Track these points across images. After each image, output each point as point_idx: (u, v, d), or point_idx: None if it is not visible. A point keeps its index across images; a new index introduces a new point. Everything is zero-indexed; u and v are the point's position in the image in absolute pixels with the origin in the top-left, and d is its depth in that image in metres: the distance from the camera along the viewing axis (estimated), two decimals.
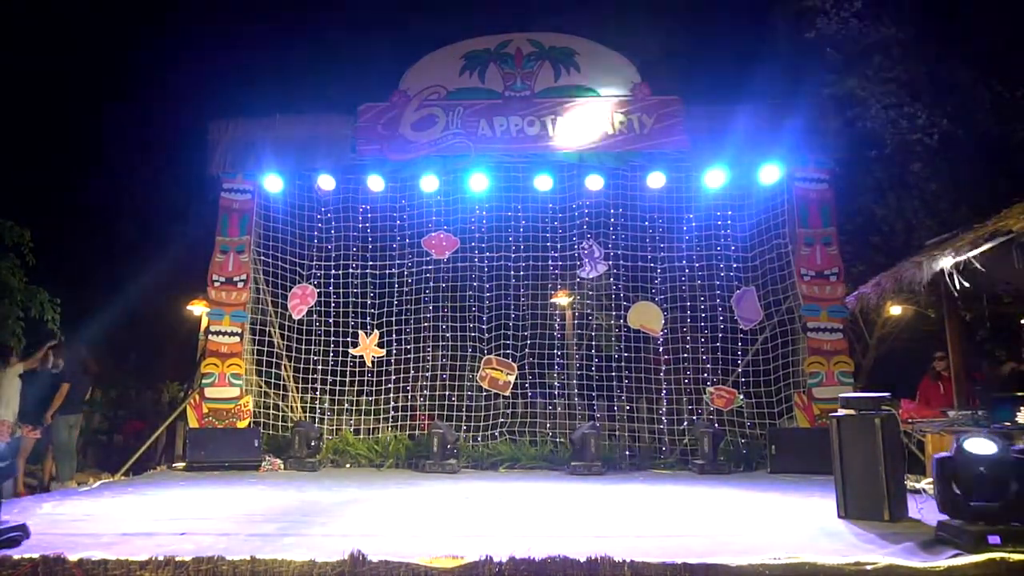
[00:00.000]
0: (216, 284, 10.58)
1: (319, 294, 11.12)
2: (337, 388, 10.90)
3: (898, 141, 10.67)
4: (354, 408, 10.91)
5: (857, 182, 11.02)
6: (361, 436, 10.55)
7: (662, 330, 10.68)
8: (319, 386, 10.86)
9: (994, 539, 4.23)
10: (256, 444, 9.65)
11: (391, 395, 10.85)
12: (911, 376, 10.13)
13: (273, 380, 10.79)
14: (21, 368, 8.94)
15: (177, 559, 4.06)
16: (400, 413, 10.73)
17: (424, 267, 11.17)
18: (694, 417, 10.37)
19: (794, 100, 10.46)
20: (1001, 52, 10.42)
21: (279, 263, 11.01)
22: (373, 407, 10.81)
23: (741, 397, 10.33)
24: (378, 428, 10.66)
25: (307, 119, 10.95)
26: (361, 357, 10.91)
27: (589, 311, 11.65)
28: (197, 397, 10.18)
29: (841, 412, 5.83)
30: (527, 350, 10.89)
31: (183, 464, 9.56)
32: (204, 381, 10.21)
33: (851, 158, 10.61)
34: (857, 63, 11.02)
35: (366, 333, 10.99)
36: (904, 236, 10.54)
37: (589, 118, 10.59)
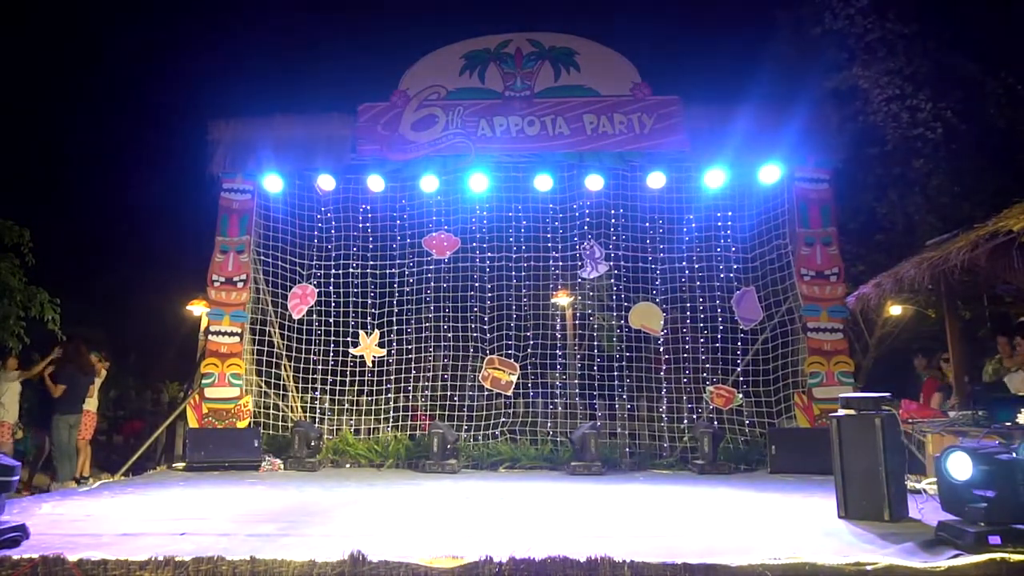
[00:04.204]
0: (216, 284, 10.57)
1: (319, 294, 11.11)
2: (337, 388, 10.89)
3: (900, 136, 10.66)
4: (354, 408, 10.90)
5: (858, 180, 11.02)
6: (361, 436, 10.55)
7: (662, 330, 10.68)
8: (319, 386, 10.86)
9: (994, 539, 4.23)
10: (256, 444, 9.64)
11: (391, 395, 10.84)
12: (911, 376, 10.14)
13: (273, 380, 10.78)
14: (18, 375, 8.97)
15: (177, 559, 4.06)
16: (400, 413, 10.72)
17: (425, 267, 11.16)
18: (694, 417, 10.37)
19: (794, 100, 10.45)
20: (1010, 43, 10.37)
21: (279, 263, 11.00)
22: (373, 407, 10.81)
23: (740, 396, 10.33)
24: (378, 428, 10.66)
25: (307, 119, 10.93)
26: (361, 357, 10.90)
27: (590, 311, 11.65)
28: (197, 397, 10.17)
29: (841, 412, 5.83)
30: (528, 350, 10.89)
31: (183, 464, 9.55)
32: (204, 381, 10.21)
33: (852, 156, 10.60)
34: (861, 57, 11.01)
35: (366, 333, 10.99)
36: (906, 234, 10.54)
37: (589, 118, 10.58)
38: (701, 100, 10.69)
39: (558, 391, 10.90)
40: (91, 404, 9.65)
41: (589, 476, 8.91)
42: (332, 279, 11.20)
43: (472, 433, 10.42)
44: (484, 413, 10.55)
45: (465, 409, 10.67)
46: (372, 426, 10.69)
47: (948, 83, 10.74)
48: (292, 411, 10.83)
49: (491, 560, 4.02)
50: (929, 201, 10.61)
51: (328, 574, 3.98)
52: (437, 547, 4.40)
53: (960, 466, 4.55)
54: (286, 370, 10.92)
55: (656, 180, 10.63)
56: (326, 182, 10.93)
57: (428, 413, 10.82)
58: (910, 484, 6.03)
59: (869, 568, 3.97)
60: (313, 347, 10.96)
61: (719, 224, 10.97)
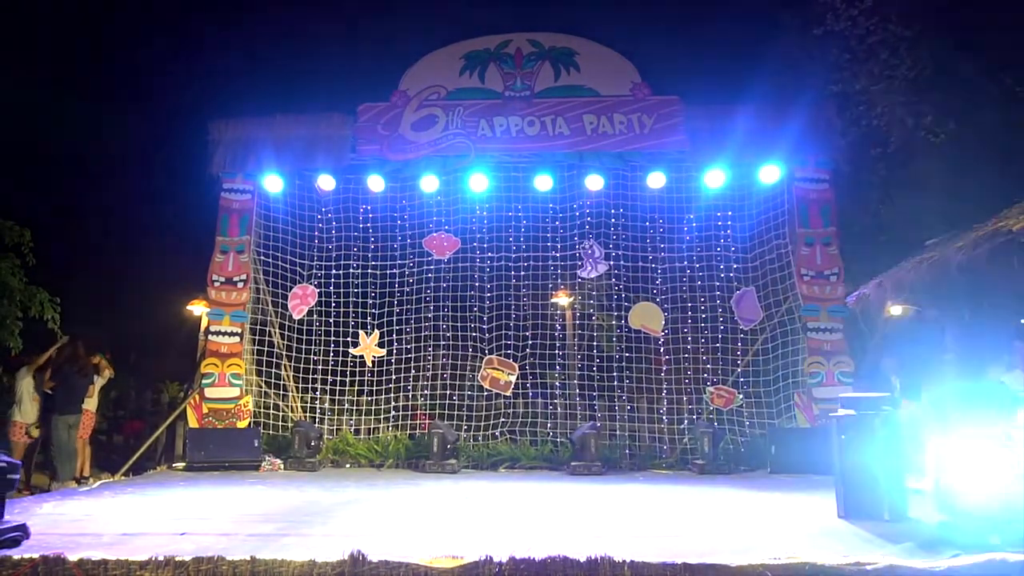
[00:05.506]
0: (216, 284, 10.57)
1: (319, 294, 11.11)
2: (337, 388, 10.89)
3: (904, 139, 10.65)
4: (354, 408, 10.91)
5: (863, 181, 11.01)
6: (361, 436, 10.55)
7: (663, 330, 10.68)
8: (319, 386, 10.86)
9: (994, 539, 4.23)
10: (256, 444, 9.65)
11: (391, 395, 10.84)
12: (910, 376, 10.12)
13: (273, 380, 10.78)
14: (27, 370, 9.00)
15: (177, 559, 4.06)
16: (400, 413, 10.73)
17: (425, 267, 11.16)
18: (694, 417, 10.37)
19: (795, 100, 10.44)
20: (1009, 45, 10.37)
21: (279, 263, 11.00)
22: (373, 407, 10.81)
23: (741, 396, 10.33)
24: (378, 428, 10.66)
25: (307, 119, 10.93)
26: (361, 357, 10.90)
27: (590, 311, 11.65)
28: (197, 397, 10.17)
29: (841, 412, 5.83)
30: (528, 350, 10.89)
31: (183, 464, 9.56)
32: (204, 381, 10.21)
33: (856, 157, 10.58)
34: (864, 61, 11.00)
35: (366, 333, 10.99)
36: (913, 235, 10.52)
37: (589, 118, 10.58)
38: (701, 100, 10.69)
39: (558, 391, 10.90)
40: (91, 404, 9.66)
41: (589, 476, 8.91)
42: (332, 279, 11.20)
43: (472, 433, 10.42)
44: (484, 413, 10.56)
45: (465, 409, 10.67)
46: (372, 426, 10.69)
47: (950, 85, 10.74)
48: (292, 411, 10.83)
49: (491, 560, 4.02)
50: (936, 203, 10.60)
51: (328, 574, 3.98)
52: (437, 547, 4.40)
53: (958, 465, 4.55)
54: (286, 370, 10.92)
55: (656, 180, 10.63)
56: (326, 182, 10.94)
57: (428, 413, 10.83)
58: (910, 484, 6.03)
59: (869, 568, 3.97)
60: (313, 347, 10.96)
61: (719, 224, 10.97)
